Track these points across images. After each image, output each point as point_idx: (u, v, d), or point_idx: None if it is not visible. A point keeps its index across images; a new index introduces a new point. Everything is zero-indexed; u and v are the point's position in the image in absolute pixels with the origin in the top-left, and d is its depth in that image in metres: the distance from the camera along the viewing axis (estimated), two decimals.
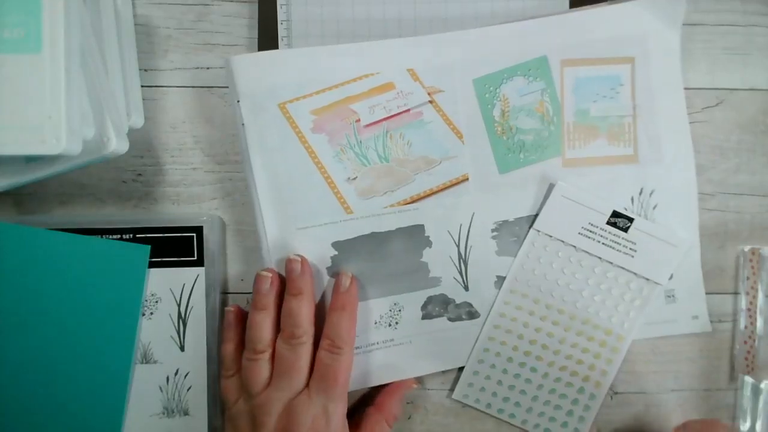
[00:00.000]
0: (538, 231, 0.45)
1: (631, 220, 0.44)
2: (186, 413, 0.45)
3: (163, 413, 0.45)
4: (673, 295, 0.46)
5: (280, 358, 0.41)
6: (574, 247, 0.45)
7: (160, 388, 0.45)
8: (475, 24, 0.45)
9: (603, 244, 0.45)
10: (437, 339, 0.46)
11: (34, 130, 0.34)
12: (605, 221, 0.45)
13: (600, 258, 0.45)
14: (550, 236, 0.45)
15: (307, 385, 0.41)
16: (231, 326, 0.44)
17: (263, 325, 0.42)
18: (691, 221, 0.46)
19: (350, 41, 0.45)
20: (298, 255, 0.43)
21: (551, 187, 0.45)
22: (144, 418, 0.45)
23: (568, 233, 0.45)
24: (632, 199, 0.46)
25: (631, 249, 0.45)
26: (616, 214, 0.45)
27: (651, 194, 0.46)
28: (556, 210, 0.45)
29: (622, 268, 0.45)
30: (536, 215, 0.45)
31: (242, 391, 0.42)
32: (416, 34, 0.46)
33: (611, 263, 0.45)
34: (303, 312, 0.42)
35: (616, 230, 0.45)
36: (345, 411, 0.42)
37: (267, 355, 0.42)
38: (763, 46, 0.47)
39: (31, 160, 0.37)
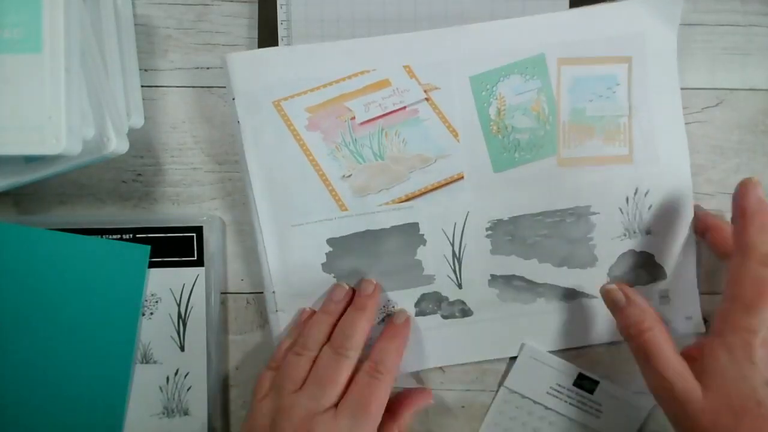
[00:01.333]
0: (509, 389, 0.46)
1: (596, 382, 0.46)
2: (186, 413, 0.45)
3: (164, 413, 0.45)
4: (666, 296, 0.46)
5: (321, 364, 0.41)
6: (544, 405, 0.46)
7: (160, 388, 0.45)
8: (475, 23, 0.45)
9: (570, 404, 0.46)
10: (430, 336, 0.46)
11: (34, 130, 0.34)
12: (572, 382, 0.46)
13: (568, 417, 0.46)
14: (521, 395, 0.46)
15: (336, 405, 0.40)
16: (298, 326, 0.44)
17: (322, 327, 0.42)
18: (686, 222, 0.46)
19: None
20: (373, 280, 0.44)
21: (522, 346, 0.46)
22: (144, 418, 0.45)
23: (537, 392, 0.46)
24: (627, 200, 0.45)
25: (597, 410, 0.46)
26: (581, 376, 0.46)
27: (646, 194, 0.45)
28: (525, 370, 0.46)
29: (589, 427, 0.46)
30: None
31: (274, 387, 0.42)
32: None
33: (578, 422, 0.46)
34: (359, 327, 0.41)
35: (582, 391, 0.46)
36: None
37: (312, 355, 0.41)
38: (763, 46, 0.47)
39: (31, 160, 0.37)
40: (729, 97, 0.47)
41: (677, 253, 0.46)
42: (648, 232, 0.46)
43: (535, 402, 0.46)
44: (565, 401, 0.46)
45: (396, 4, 0.46)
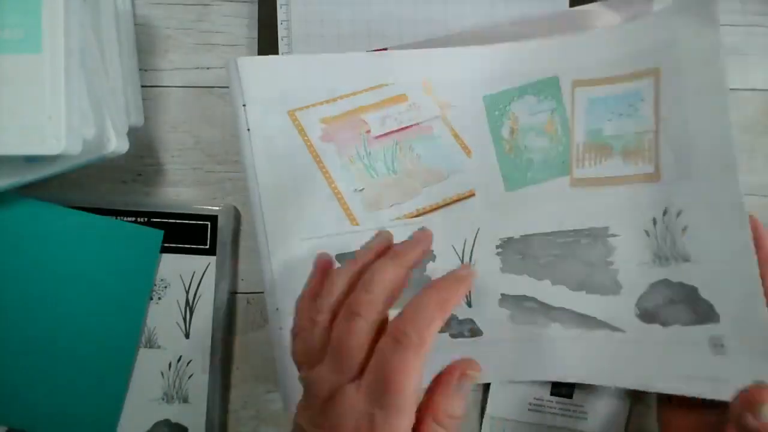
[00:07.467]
0: (493, 417, 0.46)
1: (572, 386, 0.45)
2: (185, 401, 0.46)
3: (163, 399, 0.46)
4: (721, 344, 0.38)
5: (335, 328, 0.32)
6: (529, 423, 0.46)
7: (162, 373, 0.46)
8: (474, 23, 0.45)
9: (554, 414, 0.45)
10: (437, 355, 0.44)
11: (34, 130, 0.35)
12: (549, 392, 0.45)
13: (557, 428, 0.45)
14: (505, 419, 0.46)
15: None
16: (313, 277, 0.38)
17: (338, 283, 0.34)
18: (739, 247, 0.37)
19: (350, 41, 0.46)
20: (429, 230, 0.37)
21: None
22: (144, 402, 0.46)
23: (520, 411, 0.46)
24: (654, 221, 0.41)
25: (581, 413, 0.45)
26: (556, 384, 0.45)
27: (678, 215, 0.40)
28: (501, 393, 0.46)
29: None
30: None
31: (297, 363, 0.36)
32: (416, 35, 0.45)
33: (570, 429, 0.46)
34: (385, 277, 0.32)
35: (561, 398, 0.45)
36: (406, 427, 0.30)
37: (328, 318, 0.33)
38: (763, 46, 0.46)
39: (31, 160, 0.38)
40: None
41: (733, 287, 0.38)
42: (686, 260, 0.40)
43: (519, 422, 0.46)
44: (549, 412, 0.45)
45: (395, 4, 0.46)
